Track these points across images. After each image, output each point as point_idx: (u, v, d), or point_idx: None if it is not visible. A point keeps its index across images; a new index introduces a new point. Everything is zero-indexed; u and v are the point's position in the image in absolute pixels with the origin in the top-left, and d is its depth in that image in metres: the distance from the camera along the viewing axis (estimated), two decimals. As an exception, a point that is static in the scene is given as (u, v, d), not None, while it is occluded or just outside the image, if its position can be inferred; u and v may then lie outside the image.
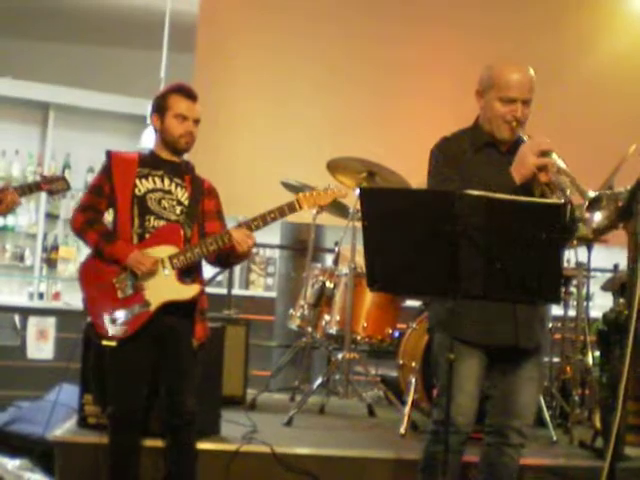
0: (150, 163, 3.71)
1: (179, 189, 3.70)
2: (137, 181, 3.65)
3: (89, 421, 4.21)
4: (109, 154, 3.75)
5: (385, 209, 2.73)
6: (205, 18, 6.51)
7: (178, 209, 3.67)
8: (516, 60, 3.31)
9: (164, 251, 3.59)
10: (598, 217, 3.02)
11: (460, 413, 3.17)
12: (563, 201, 2.69)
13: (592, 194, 2.93)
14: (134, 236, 3.62)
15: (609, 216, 3.10)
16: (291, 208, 3.75)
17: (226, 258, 3.73)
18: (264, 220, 3.69)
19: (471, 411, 3.23)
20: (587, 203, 2.93)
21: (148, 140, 6.89)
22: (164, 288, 3.58)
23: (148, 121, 6.97)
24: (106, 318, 3.58)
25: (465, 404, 3.20)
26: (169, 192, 3.68)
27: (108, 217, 3.78)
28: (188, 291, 3.62)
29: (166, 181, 3.69)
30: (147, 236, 3.62)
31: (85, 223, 3.66)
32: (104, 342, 3.59)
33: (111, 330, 3.57)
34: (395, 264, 2.77)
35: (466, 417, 3.21)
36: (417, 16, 6.71)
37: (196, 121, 3.70)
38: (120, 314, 3.57)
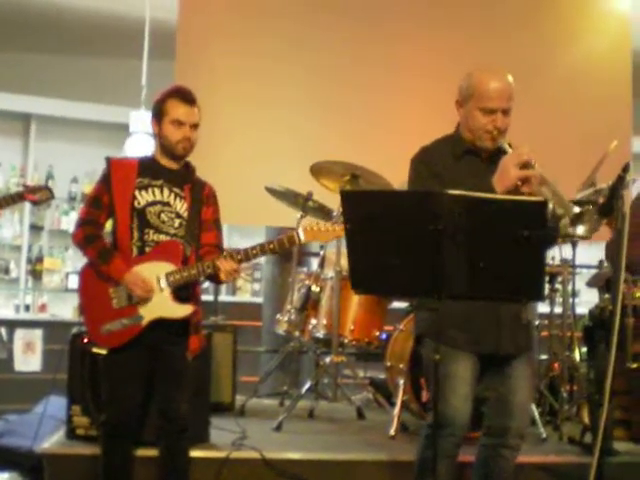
0: (150, 172, 3.67)
1: (178, 200, 3.66)
2: (136, 193, 3.62)
3: (77, 432, 4.21)
4: (109, 161, 3.71)
5: (367, 211, 2.72)
6: (184, 25, 6.49)
7: (177, 222, 3.65)
8: (496, 63, 3.32)
9: (162, 267, 3.58)
10: (581, 230, 3.05)
11: (456, 415, 3.18)
12: (543, 199, 2.70)
13: (575, 210, 2.93)
14: (133, 248, 3.61)
15: (591, 229, 3.13)
16: (291, 242, 3.68)
17: (211, 279, 3.74)
18: (262, 250, 3.66)
19: (466, 414, 3.22)
20: (569, 220, 2.93)
21: (131, 149, 6.90)
22: (158, 304, 3.57)
23: (132, 129, 7.09)
24: (99, 326, 3.57)
25: (460, 407, 3.20)
26: (168, 204, 3.65)
27: (109, 226, 3.75)
28: (181, 310, 3.61)
29: (165, 192, 3.65)
30: (147, 250, 3.61)
31: (84, 240, 3.64)
32: (95, 349, 3.60)
33: (102, 338, 3.57)
34: (379, 266, 2.76)
35: (462, 419, 3.21)
36: (400, 17, 6.71)
37: (194, 126, 3.65)
38: (112, 324, 3.56)
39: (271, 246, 3.65)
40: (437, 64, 6.42)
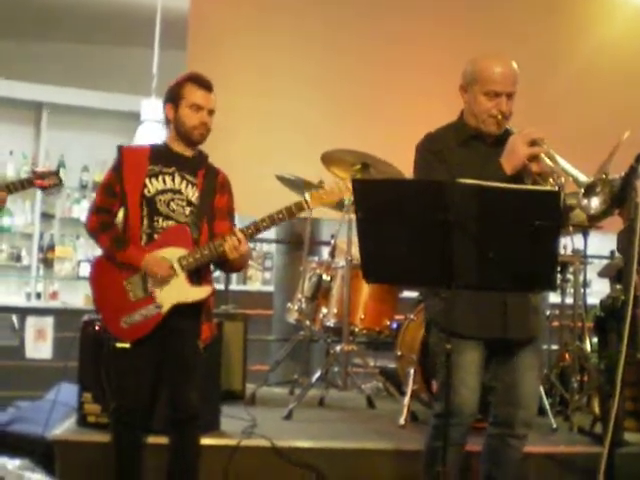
0: (162, 159, 3.65)
1: (189, 188, 3.65)
2: (147, 181, 3.60)
3: (89, 420, 4.22)
4: (120, 150, 3.70)
5: (378, 200, 2.72)
6: (196, 14, 6.49)
7: (187, 210, 3.63)
8: (509, 56, 3.31)
9: (173, 253, 3.57)
10: (595, 203, 3.02)
11: (464, 404, 3.20)
12: (557, 188, 2.69)
13: (587, 180, 2.93)
14: (143, 236, 3.60)
15: (605, 200, 3.10)
16: (299, 208, 3.66)
17: (223, 264, 3.71)
18: (272, 220, 3.62)
19: (474, 403, 3.24)
20: (583, 190, 2.93)
21: (142, 137, 6.90)
22: (175, 290, 3.56)
23: (143, 117, 7.09)
24: (119, 320, 3.56)
25: (468, 397, 3.21)
26: (179, 192, 3.63)
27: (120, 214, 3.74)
28: (199, 293, 3.61)
29: (177, 179, 3.64)
30: (156, 237, 3.60)
31: (98, 227, 3.64)
32: (119, 344, 3.59)
33: (124, 332, 3.56)
34: (390, 255, 2.77)
35: (470, 408, 3.23)
36: (408, 10, 6.69)
37: (211, 111, 3.64)
38: (133, 316, 3.55)
39: (280, 215, 3.63)
40: (446, 56, 6.36)
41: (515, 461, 3.37)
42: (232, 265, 3.70)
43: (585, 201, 2.97)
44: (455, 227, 2.60)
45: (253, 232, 3.61)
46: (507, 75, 3.21)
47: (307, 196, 3.70)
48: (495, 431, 3.37)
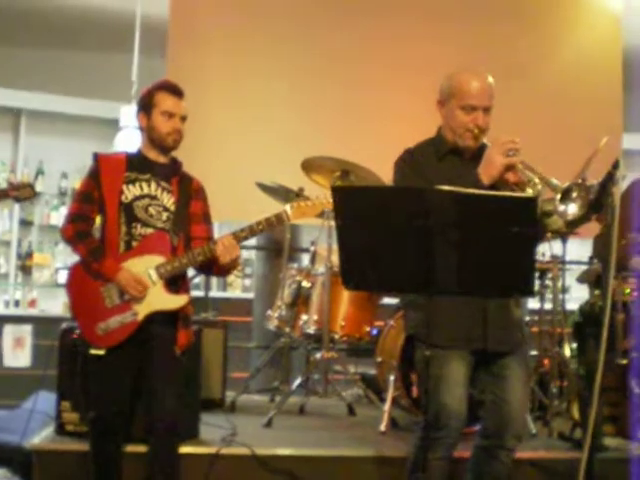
0: (137, 166, 3.67)
1: (165, 194, 3.66)
2: (124, 187, 3.61)
3: (67, 428, 4.20)
4: (96, 157, 3.70)
5: (358, 207, 2.72)
6: (176, 21, 6.49)
7: (164, 215, 3.64)
8: (488, 62, 3.35)
9: (151, 260, 3.57)
10: (572, 209, 3.05)
11: (452, 417, 3.18)
12: (533, 195, 2.70)
13: (563, 185, 2.96)
14: (121, 243, 3.60)
15: (582, 205, 3.12)
16: (279, 220, 3.68)
17: (210, 268, 3.71)
18: (252, 231, 3.65)
19: (462, 415, 3.22)
20: (559, 195, 2.95)
21: (121, 144, 6.89)
22: (152, 297, 3.55)
23: (122, 124, 7.06)
24: (94, 326, 3.55)
25: (455, 409, 3.19)
26: (155, 198, 3.64)
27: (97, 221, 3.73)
28: (176, 301, 3.61)
29: (153, 186, 3.65)
30: (134, 244, 3.59)
31: (75, 236, 3.63)
32: (92, 351, 3.57)
33: (99, 339, 3.55)
34: (369, 262, 2.76)
35: (458, 421, 3.20)
36: (391, 14, 6.72)
37: (183, 118, 3.66)
38: (108, 323, 3.54)
39: (260, 226, 3.65)
40: (426, 61, 6.40)
41: (503, 475, 3.34)
42: (221, 269, 3.70)
43: (562, 207, 3.00)
44: (435, 234, 2.61)
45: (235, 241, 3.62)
46: (483, 89, 3.25)
47: (288, 208, 3.70)
48: (483, 443, 3.35)
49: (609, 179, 3.15)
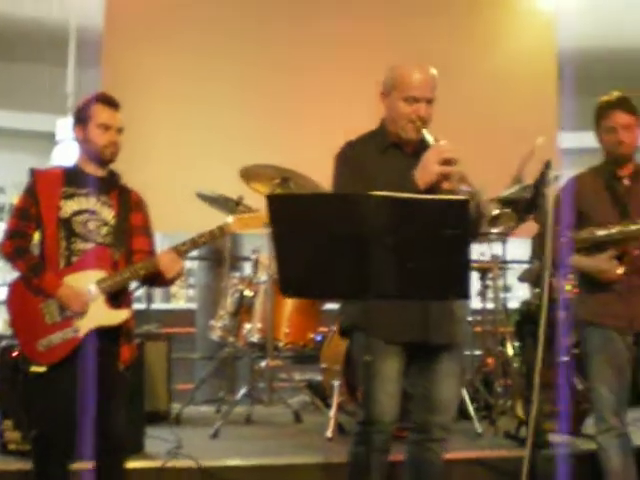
0: (75, 180, 3.61)
1: (105, 208, 3.61)
2: (62, 202, 3.56)
3: (9, 447, 4.16)
4: (33, 173, 3.64)
5: (293, 215, 2.71)
6: (110, 33, 6.42)
7: (104, 229, 3.59)
8: (418, 60, 3.36)
9: (92, 276, 3.51)
10: (496, 230, 3.09)
11: (384, 412, 3.22)
12: (465, 197, 2.73)
13: (492, 212, 2.99)
14: (60, 259, 3.54)
15: (507, 229, 3.17)
16: (222, 232, 3.67)
17: (153, 281, 3.68)
18: (194, 244, 3.64)
19: (394, 410, 3.26)
20: (488, 219, 2.99)
21: (58, 157, 6.81)
22: (93, 313, 3.50)
23: (58, 137, 6.98)
24: (35, 343, 3.48)
25: (388, 404, 3.23)
26: (94, 212, 3.59)
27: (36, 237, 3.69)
28: (117, 316, 3.56)
29: (92, 200, 3.59)
30: (74, 259, 3.54)
31: (14, 252, 3.56)
32: (33, 368, 3.51)
33: (40, 355, 3.48)
34: (307, 269, 2.76)
35: (390, 416, 3.24)
36: (324, 16, 6.74)
37: (119, 130, 3.62)
38: (49, 339, 3.48)
39: (202, 239, 3.64)
40: (362, 64, 6.41)
41: (437, 465, 3.38)
42: (164, 281, 3.67)
43: (488, 228, 3.04)
44: (370, 239, 2.61)
45: (178, 253, 3.60)
46: (426, 81, 3.26)
47: (230, 220, 3.71)
48: (415, 437, 3.39)
49: (541, 180, 3.20)
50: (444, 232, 2.55)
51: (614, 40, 9.02)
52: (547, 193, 3.07)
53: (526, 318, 4.63)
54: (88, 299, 3.50)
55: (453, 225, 2.56)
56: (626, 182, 3.85)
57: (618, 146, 3.78)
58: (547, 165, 3.13)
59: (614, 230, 3.75)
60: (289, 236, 2.73)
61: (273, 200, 2.74)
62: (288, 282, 2.82)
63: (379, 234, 2.62)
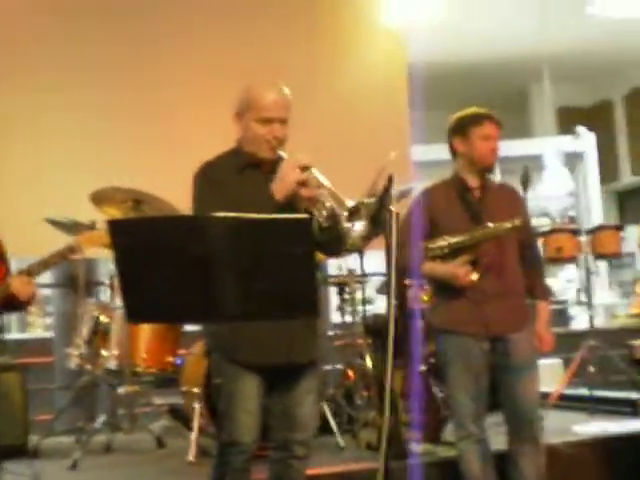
0: None
1: None
2: None
3: None
4: None
5: (135, 239, 2.67)
6: None
7: None
8: (271, 78, 3.37)
9: None
10: (359, 226, 3.12)
11: (244, 433, 3.21)
12: (307, 215, 2.75)
13: (349, 204, 3.03)
14: None
15: (367, 225, 3.20)
16: (71, 250, 3.66)
17: (7, 306, 3.59)
18: (45, 264, 3.61)
19: (255, 429, 3.25)
20: (346, 214, 3.02)
21: None
22: None
23: None
24: None
25: (248, 423, 3.22)
26: None
27: None
28: None
29: None
30: None
31: None
32: None
33: None
34: (151, 294, 2.71)
35: (250, 436, 3.23)
36: (175, 34, 6.69)
37: None
38: None
39: (53, 259, 3.65)
40: (217, 83, 6.39)
41: None
42: (18, 305, 3.63)
43: (349, 225, 3.07)
44: (212, 261, 2.59)
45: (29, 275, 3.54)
46: (279, 102, 3.28)
47: (77, 238, 3.68)
48: (276, 455, 3.38)
49: (385, 195, 3.24)
50: (289, 250, 2.56)
51: (459, 56, 9.37)
52: (391, 208, 3.10)
53: (371, 331, 4.69)
54: None
55: (298, 243, 2.56)
56: (477, 194, 3.98)
57: (491, 154, 3.92)
58: (390, 180, 3.17)
59: (466, 236, 3.86)
60: (130, 260, 2.68)
61: (112, 225, 2.68)
62: (132, 308, 2.76)
63: (223, 255, 2.61)
